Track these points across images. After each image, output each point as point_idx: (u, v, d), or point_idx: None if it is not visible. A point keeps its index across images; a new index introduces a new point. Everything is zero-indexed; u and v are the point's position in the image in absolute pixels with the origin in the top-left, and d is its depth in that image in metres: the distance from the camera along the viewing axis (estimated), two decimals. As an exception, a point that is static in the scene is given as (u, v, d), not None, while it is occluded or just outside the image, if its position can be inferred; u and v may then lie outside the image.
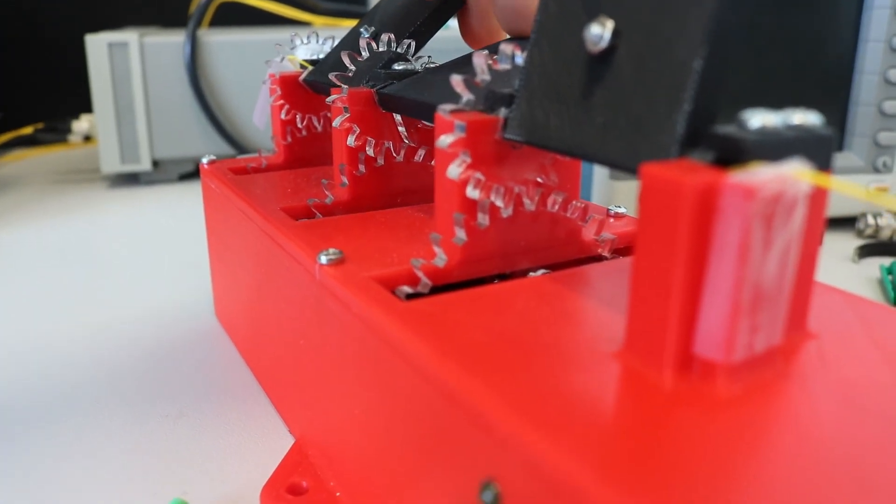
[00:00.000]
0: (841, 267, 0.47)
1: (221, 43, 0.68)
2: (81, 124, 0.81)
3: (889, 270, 0.43)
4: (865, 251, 0.48)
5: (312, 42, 0.38)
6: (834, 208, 0.51)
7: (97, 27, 0.71)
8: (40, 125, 0.83)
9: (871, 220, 0.51)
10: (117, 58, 0.66)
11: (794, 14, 0.49)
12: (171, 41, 0.67)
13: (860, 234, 0.52)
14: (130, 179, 0.72)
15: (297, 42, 0.38)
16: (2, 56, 0.92)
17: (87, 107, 0.76)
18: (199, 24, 0.68)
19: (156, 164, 0.70)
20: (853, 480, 0.14)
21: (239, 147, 0.68)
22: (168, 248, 0.52)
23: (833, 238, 0.52)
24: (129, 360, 0.35)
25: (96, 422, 0.30)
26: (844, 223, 0.54)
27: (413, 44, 0.31)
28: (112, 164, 0.68)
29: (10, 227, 0.58)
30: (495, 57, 0.23)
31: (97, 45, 0.65)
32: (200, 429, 0.30)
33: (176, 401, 0.32)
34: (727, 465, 0.14)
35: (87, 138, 0.82)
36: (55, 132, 0.82)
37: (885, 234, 0.51)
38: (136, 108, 0.67)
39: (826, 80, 0.52)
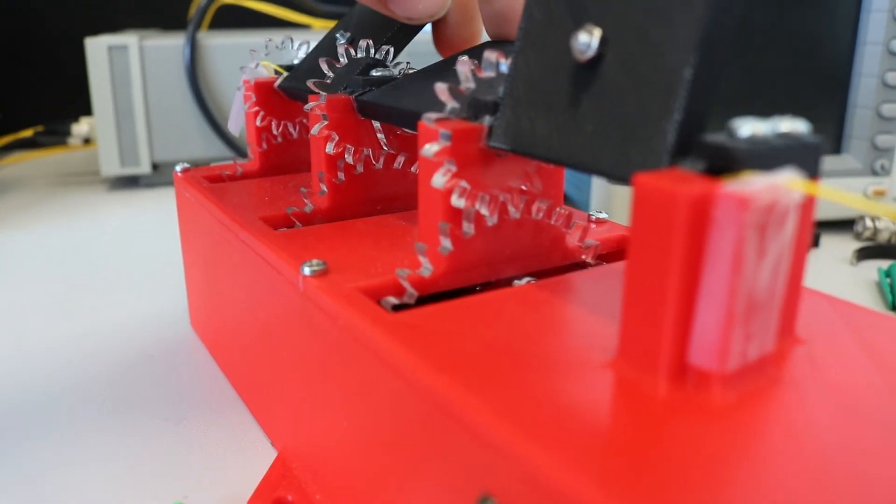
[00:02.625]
0: (839, 270, 0.47)
1: (221, 46, 0.67)
2: (81, 127, 0.80)
3: (887, 273, 0.43)
4: (863, 254, 0.49)
5: (288, 47, 0.38)
6: (832, 211, 0.52)
7: (97, 30, 0.71)
8: (40, 128, 0.82)
9: (869, 222, 0.52)
10: (117, 61, 0.65)
11: (791, 15, 0.50)
12: (171, 44, 0.66)
13: (858, 236, 0.52)
14: (130, 182, 0.72)
15: (289, 45, 0.37)
16: (1, 58, 0.91)
17: (86, 110, 0.75)
18: (198, 26, 0.67)
19: (155, 166, 0.69)
20: (850, 484, 0.14)
21: (238, 150, 0.68)
22: (166, 252, 0.51)
23: (831, 241, 0.52)
24: (117, 367, 0.35)
25: (87, 425, 0.30)
26: (843, 226, 0.54)
27: (391, 50, 0.31)
28: (112, 166, 0.67)
29: (9, 229, 0.58)
30: (479, 64, 0.23)
31: (97, 47, 0.65)
32: (181, 439, 0.29)
33: (161, 408, 0.32)
34: (725, 472, 0.14)
35: (87, 141, 0.81)
36: (55, 135, 0.81)
37: (883, 237, 0.51)
38: (135, 110, 0.66)
39: (824, 82, 0.52)
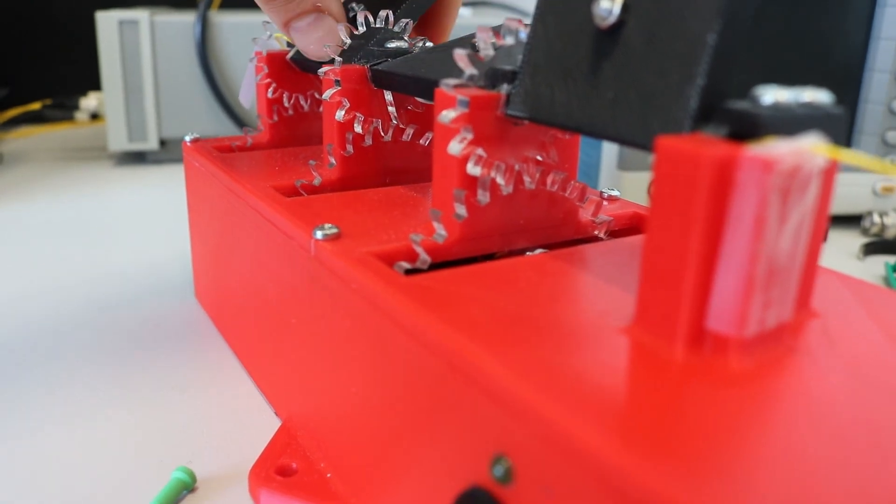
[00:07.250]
0: (846, 264, 0.47)
1: (232, 24, 0.67)
2: (89, 101, 0.80)
3: (894, 268, 0.43)
4: (871, 249, 0.49)
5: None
6: (840, 206, 0.51)
7: (108, 4, 0.70)
8: (48, 101, 0.81)
9: (876, 218, 0.52)
10: (127, 36, 0.65)
11: (806, 8, 0.49)
12: (182, 20, 0.66)
13: (866, 232, 0.52)
14: (137, 158, 0.72)
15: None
16: (11, 31, 0.90)
17: (95, 84, 0.75)
18: (209, 4, 0.67)
19: (163, 143, 0.69)
20: (864, 451, 0.14)
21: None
22: (172, 227, 0.51)
23: (838, 235, 0.52)
24: (122, 337, 0.35)
25: (93, 392, 0.30)
26: (850, 221, 0.54)
27: (410, 23, 0.31)
28: (119, 142, 0.67)
29: (15, 202, 0.58)
30: (498, 32, 0.23)
31: (108, 22, 0.64)
32: (185, 406, 0.29)
33: (166, 377, 0.31)
34: (742, 435, 0.14)
35: (95, 116, 0.81)
36: (63, 109, 0.81)
37: (890, 233, 0.51)
38: (144, 86, 0.66)
39: (836, 76, 0.52)
